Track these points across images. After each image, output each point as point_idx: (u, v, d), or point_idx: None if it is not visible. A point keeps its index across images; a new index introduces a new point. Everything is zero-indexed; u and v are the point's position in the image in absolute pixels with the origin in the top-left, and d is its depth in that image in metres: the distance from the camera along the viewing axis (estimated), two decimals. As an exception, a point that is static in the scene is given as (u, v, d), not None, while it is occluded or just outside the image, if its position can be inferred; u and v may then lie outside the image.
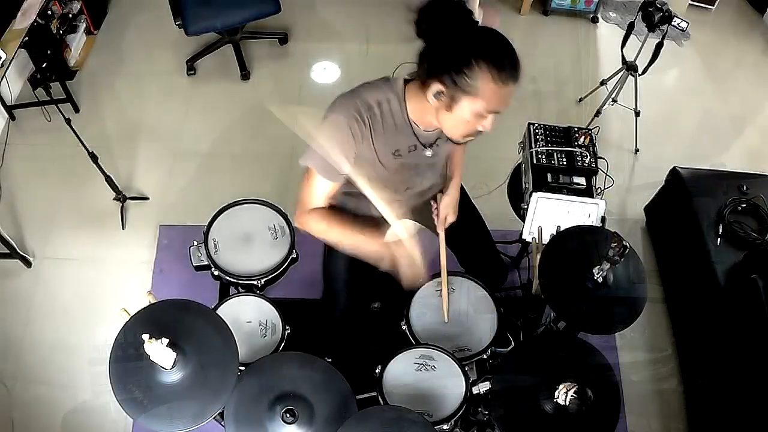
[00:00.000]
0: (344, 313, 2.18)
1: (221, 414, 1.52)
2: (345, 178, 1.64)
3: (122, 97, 3.51)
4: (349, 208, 1.87)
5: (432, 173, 1.87)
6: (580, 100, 3.53)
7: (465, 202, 2.11)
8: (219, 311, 1.93)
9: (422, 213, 2.08)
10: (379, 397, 1.80)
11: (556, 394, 1.49)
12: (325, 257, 2.12)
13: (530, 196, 2.20)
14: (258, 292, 2.06)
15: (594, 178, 2.30)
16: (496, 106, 1.45)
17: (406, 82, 1.59)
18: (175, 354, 1.40)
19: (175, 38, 3.60)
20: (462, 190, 2.13)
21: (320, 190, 1.65)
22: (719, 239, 2.48)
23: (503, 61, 1.40)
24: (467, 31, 1.43)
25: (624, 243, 1.59)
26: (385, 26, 3.75)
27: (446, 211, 1.95)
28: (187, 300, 1.59)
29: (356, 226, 1.69)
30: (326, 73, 3.66)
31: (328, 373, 1.62)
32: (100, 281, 2.83)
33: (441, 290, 1.99)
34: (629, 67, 3.08)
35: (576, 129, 2.37)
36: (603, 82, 3.35)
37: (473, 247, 2.15)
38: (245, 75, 3.57)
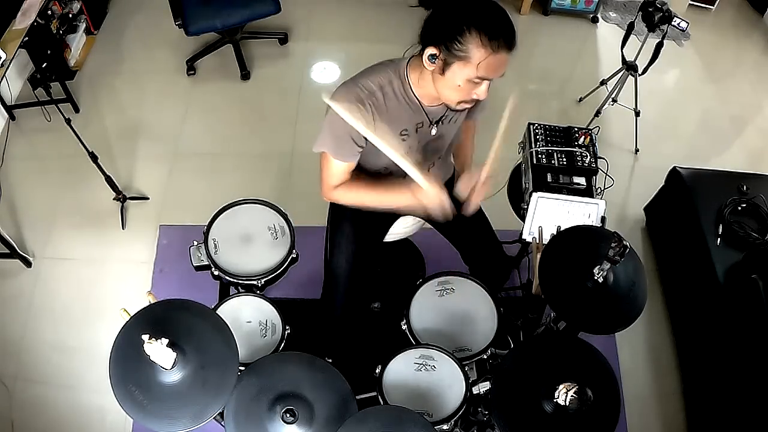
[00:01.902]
0: (344, 313, 2.19)
1: (221, 414, 1.52)
2: (358, 156, 1.70)
3: (122, 97, 3.51)
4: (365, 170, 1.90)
5: (438, 160, 1.88)
6: (580, 100, 3.53)
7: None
8: (219, 311, 1.93)
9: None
10: (379, 397, 1.80)
11: (556, 394, 1.49)
12: (326, 257, 2.12)
13: (530, 196, 2.20)
14: (258, 292, 2.06)
15: (594, 178, 2.30)
16: (487, 73, 1.47)
17: (409, 61, 1.62)
18: (175, 354, 1.40)
19: (175, 38, 3.60)
20: None
21: (338, 170, 1.73)
22: (719, 239, 2.48)
23: (494, 27, 1.42)
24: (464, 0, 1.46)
25: (624, 243, 1.59)
26: (386, 26, 3.75)
27: (468, 183, 1.85)
28: (187, 300, 1.59)
29: (382, 186, 1.75)
30: (326, 73, 3.66)
31: (328, 373, 1.62)
32: (100, 281, 2.83)
33: (450, 279, 2.03)
34: (629, 67, 3.08)
35: (576, 129, 2.37)
36: (603, 82, 3.35)
37: (477, 244, 2.15)
38: (245, 75, 3.57)
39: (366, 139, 1.62)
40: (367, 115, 1.59)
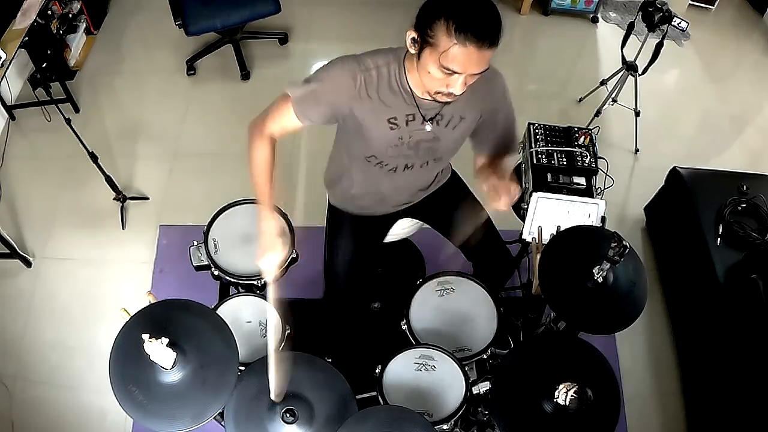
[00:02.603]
0: (345, 313, 2.19)
1: (221, 414, 1.52)
2: (313, 122, 1.67)
3: (122, 97, 3.51)
4: (355, 179, 1.89)
5: (435, 161, 1.82)
6: (580, 100, 3.53)
7: (464, 192, 2.11)
8: (219, 311, 1.93)
9: (425, 210, 2.08)
10: (379, 397, 1.80)
11: (556, 394, 1.49)
12: (326, 257, 2.12)
13: (530, 196, 2.20)
14: (258, 292, 2.06)
15: (594, 178, 2.30)
16: (453, 65, 1.42)
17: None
18: (175, 354, 1.40)
19: (175, 38, 3.60)
20: (459, 181, 2.12)
21: (284, 120, 1.70)
22: (719, 239, 2.48)
23: (466, 19, 1.38)
24: None
25: (624, 243, 1.59)
26: (386, 26, 3.74)
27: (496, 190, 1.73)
28: (187, 300, 1.59)
29: (266, 179, 1.73)
30: (326, 73, 3.66)
31: (328, 373, 1.62)
32: (100, 281, 2.83)
33: (449, 279, 2.00)
34: (629, 67, 3.08)
35: (576, 129, 2.38)
36: (603, 82, 3.35)
37: (480, 241, 2.14)
38: (245, 75, 3.57)
39: (344, 114, 1.63)
40: (354, 89, 1.59)
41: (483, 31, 1.38)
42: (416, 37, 1.46)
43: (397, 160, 1.77)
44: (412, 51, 1.50)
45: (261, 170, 1.73)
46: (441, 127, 1.70)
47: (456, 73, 1.43)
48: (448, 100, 1.53)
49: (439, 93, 1.52)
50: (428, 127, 1.68)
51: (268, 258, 1.65)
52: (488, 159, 1.86)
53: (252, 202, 2.16)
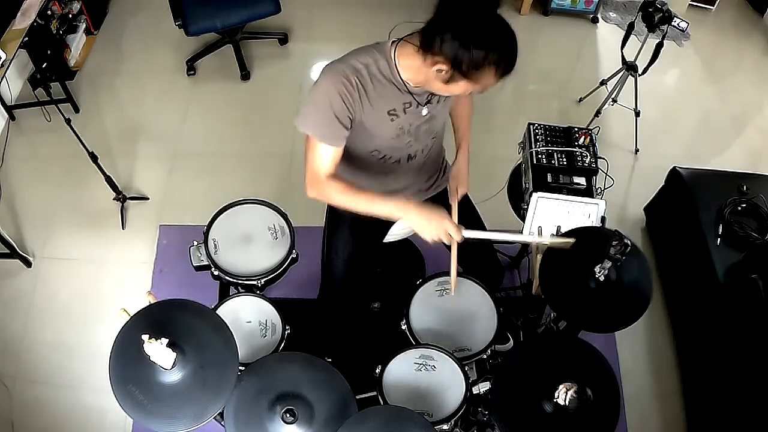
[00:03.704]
0: (340, 313, 2.19)
1: (221, 414, 1.52)
2: (344, 140, 1.65)
3: (122, 97, 3.51)
4: (359, 176, 1.88)
5: (432, 141, 1.85)
6: (580, 100, 3.53)
7: (463, 201, 2.11)
8: (219, 311, 1.93)
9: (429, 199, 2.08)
10: (379, 397, 1.80)
11: (556, 394, 1.49)
12: (323, 257, 2.12)
13: (530, 196, 2.20)
14: (258, 292, 2.06)
15: (594, 178, 2.30)
16: (486, 89, 1.53)
17: (394, 43, 1.62)
18: (175, 354, 1.40)
19: (175, 38, 3.60)
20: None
21: (326, 156, 1.64)
22: (719, 239, 2.48)
23: (510, 61, 1.47)
24: (486, 19, 1.44)
25: (626, 241, 1.59)
26: (386, 27, 3.74)
27: (456, 181, 1.99)
28: (187, 300, 1.59)
29: (376, 196, 1.69)
30: (326, 73, 3.66)
31: (328, 373, 1.62)
32: (100, 281, 2.83)
33: (450, 279, 2.00)
34: (629, 67, 3.08)
35: (576, 129, 2.38)
36: (603, 82, 3.35)
37: (470, 247, 2.15)
38: (245, 75, 3.57)
39: (352, 119, 1.63)
40: (353, 91, 1.59)
41: (515, 64, 1.48)
42: (446, 69, 1.47)
43: (400, 152, 1.79)
44: (432, 74, 1.50)
45: (356, 197, 1.66)
46: (435, 105, 1.74)
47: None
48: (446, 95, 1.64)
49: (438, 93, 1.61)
50: (425, 111, 1.71)
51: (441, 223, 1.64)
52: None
53: (252, 202, 2.16)
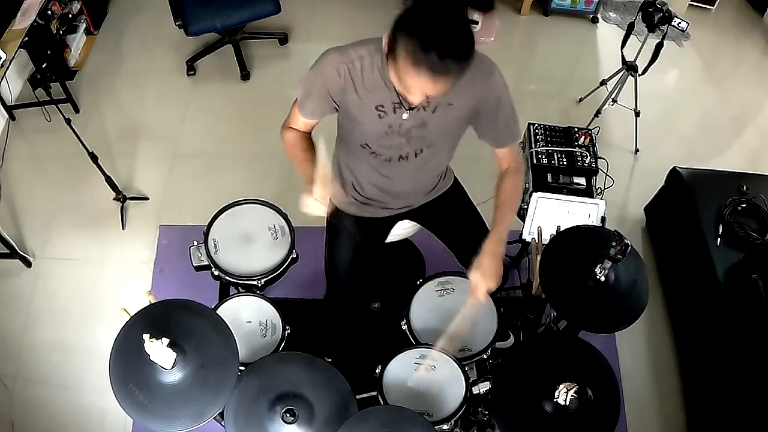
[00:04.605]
0: (346, 313, 2.19)
1: (221, 414, 1.52)
2: (318, 116, 1.75)
3: (122, 97, 3.51)
4: (354, 170, 1.91)
5: (429, 149, 1.78)
6: (580, 100, 3.53)
7: (465, 201, 2.11)
8: (219, 311, 1.93)
9: (425, 214, 2.08)
10: (379, 397, 1.80)
11: (556, 394, 1.49)
12: (326, 256, 2.12)
13: (530, 196, 2.20)
14: (258, 292, 2.06)
15: (594, 178, 2.30)
16: (409, 84, 1.44)
17: None
18: (175, 354, 1.40)
19: (175, 38, 3.60)
20: (461, 189, 2.12)
21: (295, 117, 1.80)
22: (719, 239, 2.48)
23: (430, 39, 1.35)
24: (438, 13, 1.38)
25: (626, 241, 1.59)
26: (385, 27, 3.75)
27: (475, 274, 1.70)
28: (187, 300, 1.59)
29: (309, 159, 1.74)
30: (326, 73, 3.66)
31: (328, 373, 1.62)
32: (100, 281, 2.83)
33: (440, 290, 2.00)
34: (629, 68, 3.08)
35: (576, 129, 2.38)
36: (603, 82, 3.35)
37: (474, 248, 2.15)
38: (245, 75, 3.57)
39: (334, 105, 1.69)
40: (339, 79, 1.62)
41: (440, 64, 1.36)
42: (387, 47, 1.47)
43: (390, 151, 1.76)
44: (385, 51, 1.50)
45: (294, 147, 1.81)
46: (427, 113, 1.67)
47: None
48: (411, 102, 1.54)
49: (404, 97, 1.54)
50: (405, 115, 1.66)
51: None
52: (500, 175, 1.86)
53: (252, 202, 2.16)
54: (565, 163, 2.29)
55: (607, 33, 3.99)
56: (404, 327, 1.97)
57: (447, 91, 1.48)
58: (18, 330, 2.71)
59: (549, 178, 2.27)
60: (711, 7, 4.11)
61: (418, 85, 1.43)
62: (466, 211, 2.08)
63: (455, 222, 2.07)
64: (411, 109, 1.65)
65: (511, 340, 2.40)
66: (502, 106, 1.71)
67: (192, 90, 3.56)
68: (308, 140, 1.82)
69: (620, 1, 4.15)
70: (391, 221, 2.08)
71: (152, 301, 1.65)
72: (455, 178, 2.11)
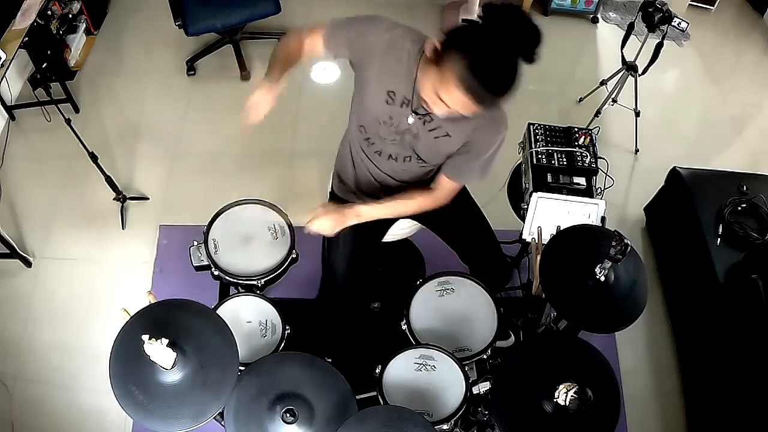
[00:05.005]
0: (341, 313, 2.19)
1: (221, 414, 1.52)
2: (332, 50, 1.70)
3: (122, 97, 3.51)
4: (353, 157, 1.92)
5: (418, 160, 1.80)
6: (580, 100, 3.53)
7: (468, 201, 2.11)
8: (219, 311, 1.93)
9: (425, 213, 2.08)
10: (379, 397, 1.80)
11: (556, 394, 1.49)
12: (323, 257, 2.12)
13: (530, 196, 2.20)
14: (258, 292, 2.06)
15: (594, 178, 2.30)
16: (430, 91, 1.48)
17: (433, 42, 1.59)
18: (175, 354, 1.40)
19: (175, 38, 3.60)
20: (463, 188, 2.12)
21: (313, 38, 1.72)
22: (719, 239, 2.48)
23: (480, 60, 1.40)
24: (500, 22, 1.40)
25: (626, 241, 1.59)
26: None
27: (320, 212, 1.81)
28: (187, 300, 1.59)
29: (281, 73, 1.74)
30: (326, 73, 3.66)
31: (328, 373, 1.62)
32: (100, 281, 2.83)
33: (440, 290, 2.01)
34: (629, 68, 3.08)
35: (576, 129, 2.38)
36: (603, 82, 3.35)
37: (477, 247, 2.15)
38: (245, 75, 3.57)
39: (355, 58, 1.66)
40: (377, 43, 1.61)
41: (480, 91, 1.41)
42: (436, 50, 1.47)
43: (382, 143, 1.77)
44: (424, 65, 1.51)
45: (285, 48, 1.76)
46: (425, 128, 1.69)
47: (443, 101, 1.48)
48: (430, 111, 1.55)
49: (425, 101, 1.54)
50: (411, 119, 1.68)
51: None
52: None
53: (252, 202, 2.16)
54: (565, 163, 2.29)
55: (607, 33, 3.99)
56: (404, 327, 1.97)
57: (460, 118, 1.52)
58: (18, 330, 2.71)
59: (549, 178, 2.26)
60: (711, 7, 4.12)
61: (449, 99, 1.46)
62: (467, 210, 2.08)
63: (456, 220, 2.07)
64: (415, 113, 1.66)
65: (512, 339, 2.40)
66: (485, 158, 1.74)
67: (192, 90, 3.55)
68: (298, 55, 1.76)
69: (620, 1, 4.15)
70: (391, 219, 2.08)
71: (152, 301, 1.65)
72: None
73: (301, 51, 1.75)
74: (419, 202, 1.86)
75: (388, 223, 2.10)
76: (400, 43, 1.60)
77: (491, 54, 1.39)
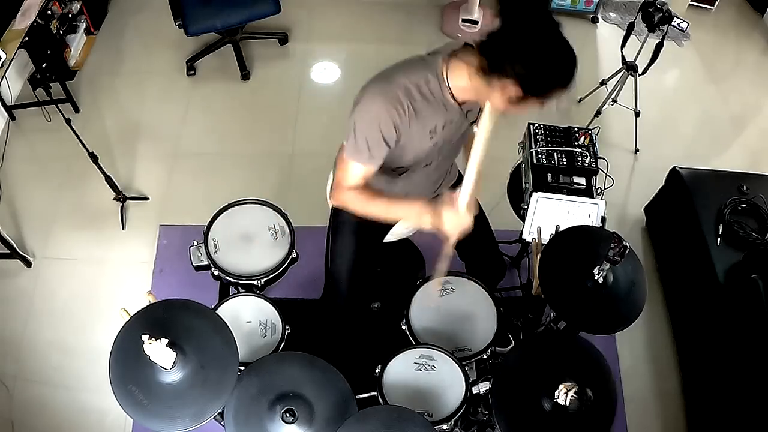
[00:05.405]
0: (345, 313, 2.19)
1: (221, 414, 1.52)
2: (382, 160, 1.61)
3: (122, 97, 3.51)
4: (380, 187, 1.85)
5: (446, 158, 1.84)
6: (580, 100, 3.53)
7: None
8: (219, 311, 1.93)
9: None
10: (379, 397, 1.80)
11: (556, 394, 1.49)
12: (327, 258, 2.12)
13: (530, 196, 2.20)
14: (258, 292, 2.06)
15: (594, 178, 2.30)
16: (510, 109, 1.49)
17: (445, 61, 1.56)
18: (175, 354, 1.40)
19: (175, 38, 3.60)
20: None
21: (357, 173, 1.62)
22: (719, 239, 2.48)
23: (573, 77, 1.42)
24: (549, 40, 1.40)
25: (624, 243, 1.59)
26: (385, 26, 3.75)
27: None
28: (187, 300, 1.59)
29: (392, 199, 1.68)
30: (326, 73, 3.66)
31: (328, 373, 1.62)
32: (100, 281, 2.83)
33: (441, 289, 2.00)
34: (629, 68, 3.08)
35: (576, 129, 2.38)
36: (603, 82, 3.35)
37: (474, 243, 2.15)
38: (245, 75, 3.57)
39: (397, 141, 1.58)
40: (404, 116, 1.54)
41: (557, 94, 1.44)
42: (519, 91, 1.44)
43: (420, 165, 1.77)
44: (505, 100, 1.47)
45: (380, 204, 1.66)
46: (468, 122, 1.71)
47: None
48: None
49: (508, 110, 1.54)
50: (475, 128, 1.64)
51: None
52: None
53: (252, 202, 2.16)
54: (565, 163, 2.29)
55: (607, 33, 3.99)
56: (404, 327, 1.97)
57: None
58: (18, 330, 2.71)
59: (549, 178, 2.27)
60: (711, 7, 4.11)
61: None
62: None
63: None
64: (474, 122, 1.67)
65: (512, 344, 2.40)
66: None
67: (192, 90, 3.56)
68: (368, 188, 1.67)
69: (620, 1, 4.15)
70: None
71: (152, 301, 1.65)
72: (459, 173, 2.11)
73: (363, 187, 1.65)
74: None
75: (390, 225, 2.10)
76: (422, 90, 1.56)
77: (542, 44, 1.39)
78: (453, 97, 1.58)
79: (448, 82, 1.56)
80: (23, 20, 2.81)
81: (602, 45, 3.92)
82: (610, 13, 4.09)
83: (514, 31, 1.40)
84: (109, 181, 2.88)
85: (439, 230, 1.60)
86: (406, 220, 1.67)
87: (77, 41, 3.61)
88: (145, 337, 1.35)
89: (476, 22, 3.65)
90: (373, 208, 1.66)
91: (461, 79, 1.54)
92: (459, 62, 1.54)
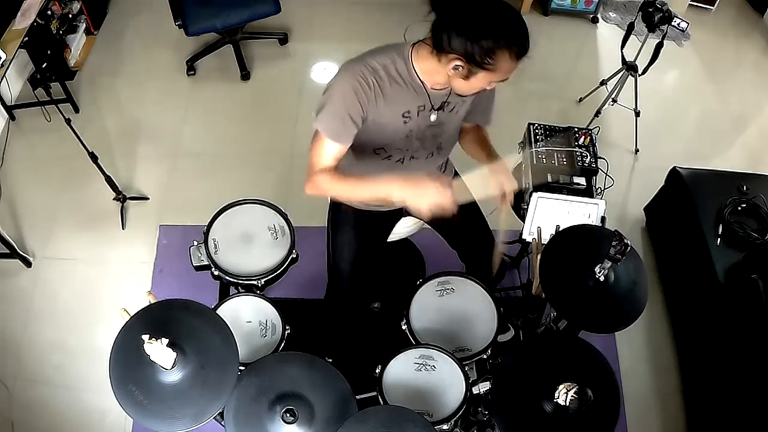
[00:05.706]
0: (347, 313, 2.19)
1: (221, 414, 1.52)
2: (352, 139, 1.65)
3: (122, 97, 3.52)
4: (361, 172, 1.84)
5: (438, 150, 1.84)
6: (580, 100, 3.53)
7: (471, 200, 2.11)
8: (219, 311, 1.93)
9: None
10: (379, 397, 1.80)
11: (556, 394, 1.49)
12: (329, 256, 2.12)
13: (530, 196, 2.20)
14: (258, 292, 2.06)
15: (594, 178, 2.30)
16: (507, 76, 1.54)
17: (413, 45, 1.61)
18: (175, 354, 1.40)
19: (175, 38, 3.60)
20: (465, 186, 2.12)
21: (329, 152, 1.65)
22: (719, 239, 2.48)
23: (522, 41, 1.48)
24: (486, 7, 1.45)
25: (625, 241, 1.59)
26: (385, 26, 3.74)
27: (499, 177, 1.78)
28: (187, 300, 1.59)
29: (365, 179, 1.67)
30: (326, 73, 3.66)
31: (328, 373, 1.62)
32: (100, 281, 2.83)
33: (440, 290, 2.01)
34: (629, 68, 3.08)
35: (576, 129, 2.38)
36: (603, 82, 3.35)
37: (474, 243, 2.15)
38: (245, 75, 3.57)
39: (364, 119, 1.63)
40: (369, 91, 1.59)
41: (529, 43, 1.51)
42: (463, 65, 1.48)
43: (403, 152, 1.79)
44: (452, 74, 1.51)
45: (351, 185, 1.67)
46: (447, 113, 1.73)
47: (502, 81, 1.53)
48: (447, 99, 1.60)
49: (475, 92, 1.60)
50: (433, 116, 1.70)
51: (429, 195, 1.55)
52: (469, 132, 1.93)
53: (252, 202, 2.16)
54: (565, 163, 2.29)
55: (607, 33, 3.99)
56: (404, 327, 1.97)
57: None
58: (18, 330, 2.71)
59: (549, 178, 2.27)
60: (711, 7, 4.12)
61: (514, 70, 1.54)
62: (468, 209, 2.08)
63: (458, 219, 2.06)
64: (438, 109, 1.69)
65: (511, 332, 2.40)
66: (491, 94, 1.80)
67: (192, 90, 3.56)
68: (337, 172, 1.67)
69: (620, 1, 4.15)
70: (394, 216, 2.09)
71: (152, 301, 1.65)
72: (456, 172, 2.12)
73: (334, 170, 1.67)
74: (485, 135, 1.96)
75: (392, 222, 2.11)
76: (389, 70, 1.60)
77: (475, 10, 1.45)
78: (421, 81, 1.62)
79: (415, 65, 1.60)
80: (23, 20, 2.81)
81: (602, 45, 3.92)
82: (610, 13, 4.09)
83: (451, 6, 1.45)
84: (109, 181, 2.88)
85: (411, 203, 1.57)
86: (379, 193, 1.63)
87: (77, 41, 3.61)
88: (145, 337, 1.35)
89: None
90: (347, 187, 1.69)
91: (425, 62, 1.59)
92: (423, 45, 1.58)
